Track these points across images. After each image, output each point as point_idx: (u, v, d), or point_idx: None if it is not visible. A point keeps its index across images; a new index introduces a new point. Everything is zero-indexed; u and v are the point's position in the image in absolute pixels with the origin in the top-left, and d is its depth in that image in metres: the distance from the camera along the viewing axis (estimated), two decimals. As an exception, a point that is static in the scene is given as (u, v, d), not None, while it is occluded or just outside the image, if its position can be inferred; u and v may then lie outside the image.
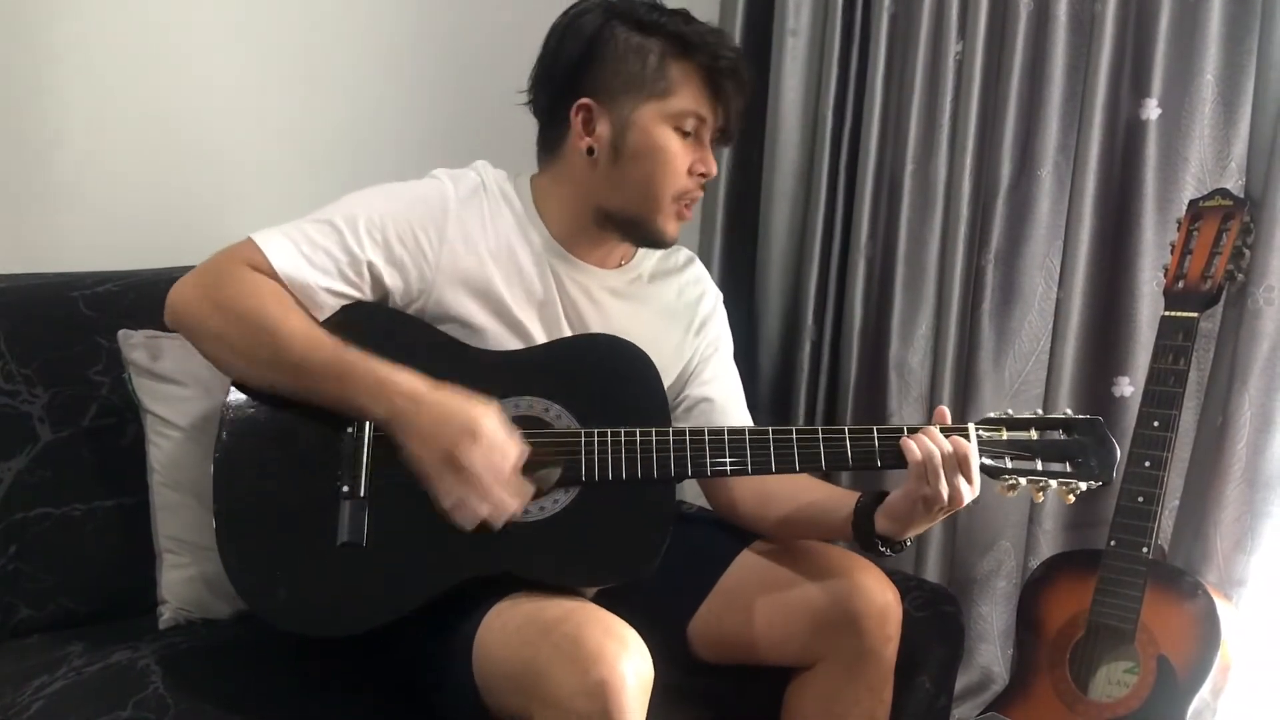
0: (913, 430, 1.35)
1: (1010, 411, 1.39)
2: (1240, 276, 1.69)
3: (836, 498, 1.47)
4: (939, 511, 1.33)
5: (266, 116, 1.93)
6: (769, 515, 1.53)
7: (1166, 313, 1.68)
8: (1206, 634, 1.60)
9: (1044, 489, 1.37)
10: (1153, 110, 1.84)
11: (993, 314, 2.09)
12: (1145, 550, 1.63)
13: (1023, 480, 1.36)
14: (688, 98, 1.42)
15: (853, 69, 2.23)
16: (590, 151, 1.44)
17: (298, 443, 1.37)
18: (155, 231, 1.81)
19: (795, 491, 1.51)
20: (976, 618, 2.14)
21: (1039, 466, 1.36)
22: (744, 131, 2.32)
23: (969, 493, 1.32)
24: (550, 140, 1.49)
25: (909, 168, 2.14)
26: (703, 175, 1.47)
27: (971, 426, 1.36)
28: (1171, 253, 1.72)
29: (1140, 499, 1.64)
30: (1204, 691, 1.60)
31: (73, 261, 1.68)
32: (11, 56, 1.68)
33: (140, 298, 1.61)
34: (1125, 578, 1.64)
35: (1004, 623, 2.12)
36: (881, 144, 2.18)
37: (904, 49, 2.14)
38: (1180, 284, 1.69)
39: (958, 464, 1.32)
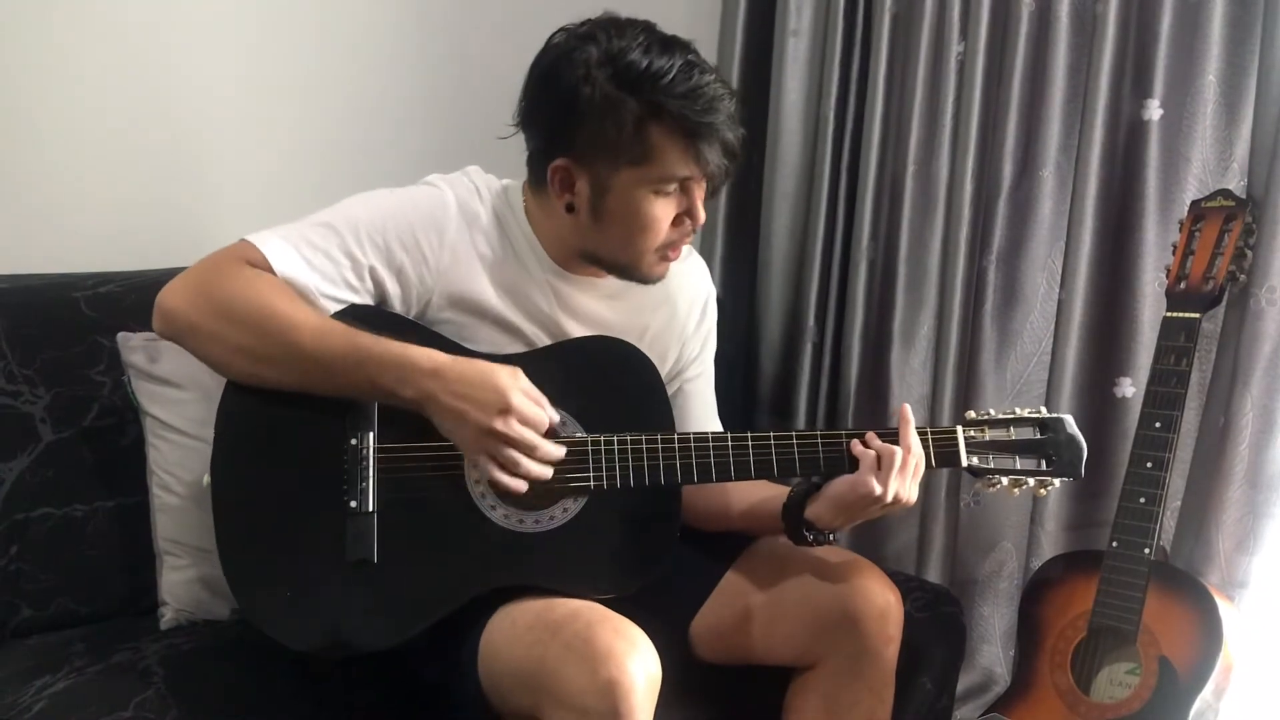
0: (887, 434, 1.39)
1: (991, 411, 1.45)
2: (1242, 277, 1.69)
3: (775, 490, 1.50)
4: (875, 509, 1.38)
5: (270, 117, 1.93)
6: (725, 513, 1.55)
7: (1168, 313, 1.68)
8: (1208, 635, 1.60)
9: (1021, 485, 1.43)
10: (1154, 111, 1.84)
11: (994, 315, 2.09)
12: (1147, 551, 1.63)
13: (1004, 479, 1.42)
14: (668, 163, 1.34)
15: (854, 70, 2.23)
16: (570, 208, 1.40)
17: (298, 457, 1.34)
18: (157, 232, 1.81)
19: (743, 488, 1.53)
20: (978, 619, 2.14)
21: (1017, 464, 1.42)
22: (745, 131, 2.36)
23: (910, 487, 1.38)
24: (535, 179, 1.44)
25: (911, 169, 2.13)
26: (691, 226, 1.42)
27: (959, 429, 1.42)
28: (1173, 253, 1.72)
29: (1142, 500, 1.64)
30: (1206, 693, 1.59)
31: (74, 262, 1.68)
32: (13, 57, 1.68)
33: (142, 298, 1.60)
34: (1127, 579, 1.64)
35: (1006, 624, 2.12)
36: (883, 145, 2.18)
37: (905, 50, 2.14)
38: (1182, 285, 1.69)
39: (913, 460, 1.36)
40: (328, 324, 1.32)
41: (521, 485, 1.30)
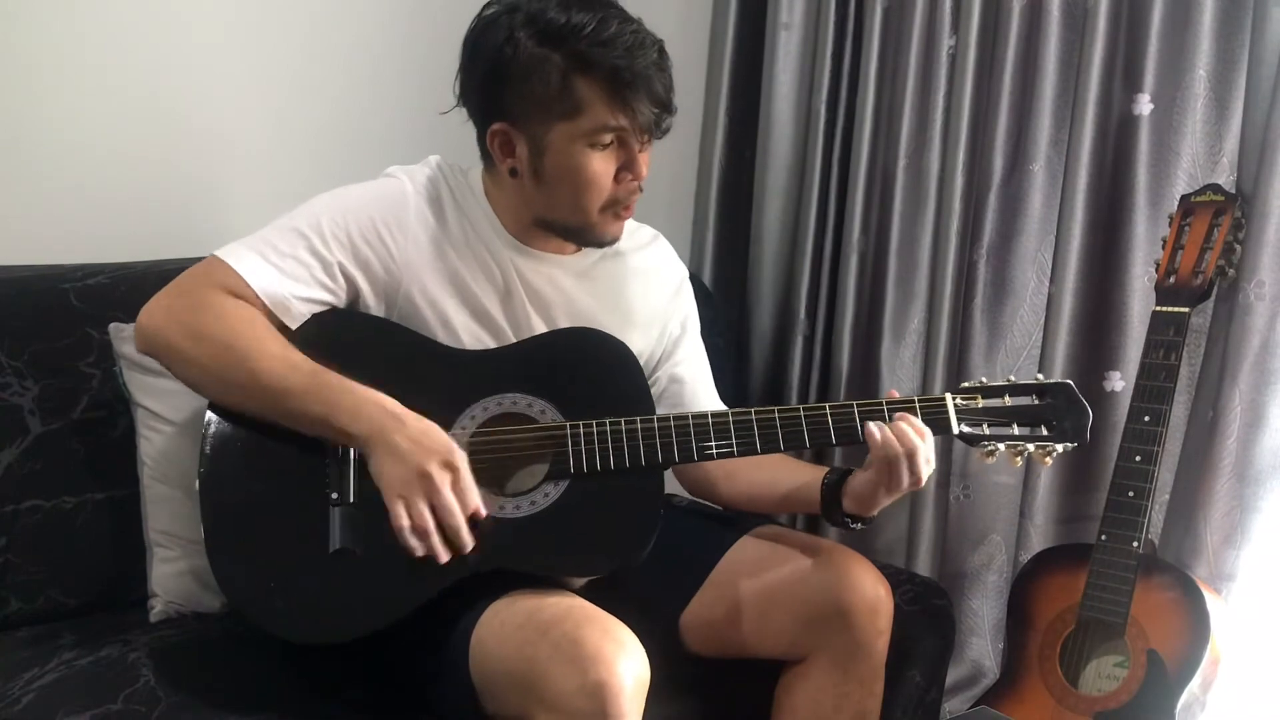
0: (887, 408, 1.38)
1: (984, 380, 1.43)
2: (1231, 272, 1.69)
3: (802, 473, 1.51)
4: (901, 492, 1.38)
5: (260, 106, 1.93)
6: (735, 490, 1.57)
7: (1158, 308, 1.69)
8: (1196, 628, 1.60)
9: (1021, 453, 1.40)
10: (1145, 105, 1.85)
11: (984, 309, 2.09)
12: (1135, 544, 1.63)
13: (1001, 446, 1.40)
14: (598, 114, 1.36)
15: (846, 63, 2.23)
16: (513, 172, 1.43)
17: (283, 452, 1.36)
18: (148, 223, 1.81)
19: (760, 465, 1.53)
20: (967, 612, 2.14)
21: (1015, 431, 1.40)
22: (737, 125, 2.36)
23: (927, 470, 1.36)
24: (483, 151, 1.47)
25: (902, 162, 2.13)
26: (633, 180, 1.43)
27: (949, 397, 1.40)
28: (1163, 248, 1.72)
29: (1131, 493, 1.64)
30: (1193, 685, 1.60)
31: (64, 253, 1.67)
32: (3, 51, 1.67)
33: (132, 290, 1.60)
34: (1115, 572, 1.64)
35: (995, 617, 2.12)
36: (874, 138, 2.18)
37: (897, 43, 2.14)
38: (1172, 279, 1.69)
39: (922, 455, 1.35)
40: (295, 359, 1.33)
41: (421, 548, 1.29)
